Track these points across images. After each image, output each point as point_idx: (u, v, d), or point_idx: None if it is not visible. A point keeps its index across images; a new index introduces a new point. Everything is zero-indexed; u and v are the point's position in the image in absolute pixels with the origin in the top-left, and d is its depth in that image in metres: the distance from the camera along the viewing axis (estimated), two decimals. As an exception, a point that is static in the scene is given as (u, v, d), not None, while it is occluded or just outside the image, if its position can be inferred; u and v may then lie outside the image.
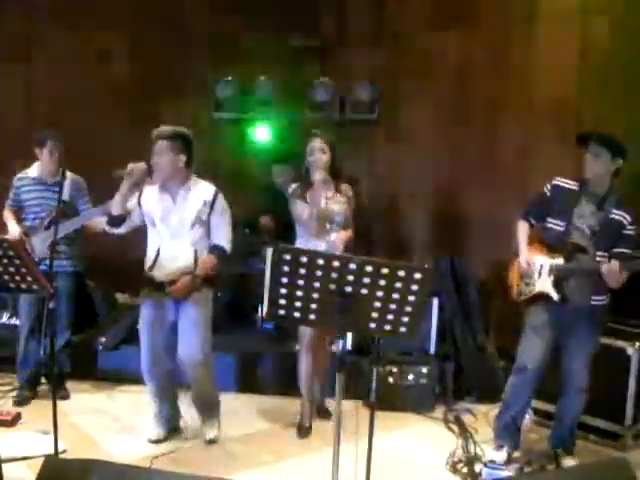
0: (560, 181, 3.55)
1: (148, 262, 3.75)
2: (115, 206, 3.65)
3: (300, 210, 3.87)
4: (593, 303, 3.47)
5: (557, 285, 3.48)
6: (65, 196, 4.22)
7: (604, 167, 3.39)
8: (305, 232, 3.90)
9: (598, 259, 3.37)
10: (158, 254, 3.70)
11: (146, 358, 3.77)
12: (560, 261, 3.48)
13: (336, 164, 3.94)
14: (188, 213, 3.68)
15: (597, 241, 3.41)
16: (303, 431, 4.04)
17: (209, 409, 3.94)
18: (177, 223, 3.68)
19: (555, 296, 3.47)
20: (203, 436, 3.91)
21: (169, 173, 3.66)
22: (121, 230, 3.74)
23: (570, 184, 3.52)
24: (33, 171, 4.37)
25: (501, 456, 3.62)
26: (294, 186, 3.96)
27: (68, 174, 4.28)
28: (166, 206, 3.70)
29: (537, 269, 3.55)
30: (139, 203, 3.74)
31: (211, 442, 3.87)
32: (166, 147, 3.61)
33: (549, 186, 3.58)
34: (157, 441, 3.86)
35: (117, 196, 3.63)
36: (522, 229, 3.67)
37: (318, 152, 3.87)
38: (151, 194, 3.75)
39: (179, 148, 3.64)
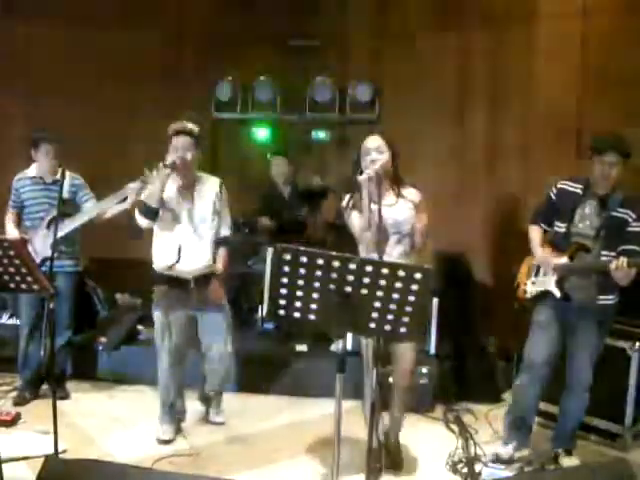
0: (564, 184, 3.57)
1: (167, 260, 3.75)
2: (154, 198, 3.65)
3: (355, 221, 3.36)
4: (600, 302, 3.47)
5: (560, 283, 3.50)
6: (64, 194, 4.23)
7: (618, 172, 3.41)
8: (363, 245, 3.39)
9: (603, 257, 3.37)
10: (180, 253, 3.73)
11: (167, 356, 3.84)
12: (564, 260, 3.50)
13: (397, 166, 3.41)
14: (208, 207, 3.79)
15: (602, 240, 3.42)
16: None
17: (219, 394, 4.18)
18: (201, 219, 3.77)
19: (557, 294, 3.50)
20: (212, 419, 4.17)
21: (193, 169, 3.77)
22: (153, 224, 3.74)
23: (574, 186, 3.53)
24: (32, 171, 4.37)
25: (506, 451, 3.64)
26: (347, 197, 3.42)
27: (67, 172, 4.28)
28: (189, 203, 3.77)
29: (545, 268, 3.59)
30: (162, 200, 3.74)
31: (218, 424, 4.14)
32: (190, 143, 3.72)
33: (554, 190, 3.60)
34: (169, 441, 3.87)
35: (156, 188, 3.64)
36: (534, 231, 3.69)
37: (375, 151, 3.32)
38: (171, 191, 3.77)
39: (198, 144, 3.77)
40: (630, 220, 3.38)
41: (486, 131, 5.31)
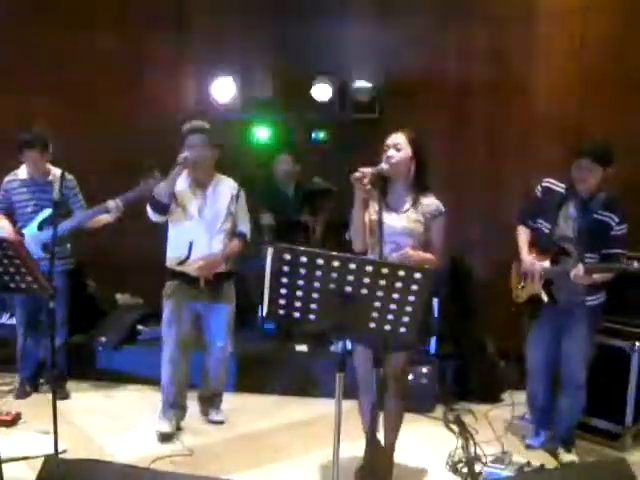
0: (550, 183, 3.64)
1: (178, 256, 3.81)
2: (164, 194, 3.69)
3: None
4: (588, 304, 3.53)
5: (546, 287, 3.57)
6: (56, 196, 4.25)
7: (596, 179, 3.46)
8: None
9: (587, 260, 3.41)
10: (190, 249, 3.77)
11: (172, 351, 3.87)
12: (547, 264, 3.56)
13: (421, 170, 3.14)
14: (221, 206, 3.85)
15: (584, 243, 3.46)
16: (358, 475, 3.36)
17: (219, 395, 4.19)
18: (212, 217, 3.82)
19: (545, 298, 3.57)
20: (212, 418, 4.15)
21: (208, 167, 3.82)
22: (163, 218, 3.79)
23: (558, 186, 3.60)
24: (23, 172, 4.36)
25: (537, 441, 3.86)
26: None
27: (59, 173, 4.30)
28: (201, 200, 3.82)
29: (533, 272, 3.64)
30: (174, 196, 3.78)
31: (218, 423, 4.13)
32: (205, 141, 3.77)
33: (540, 187, 3.68)
34: (168, 435, 3.87)
35: (165, 184, 3.69)
36: (522, 234, 3.76)
37: (392, 148, 3.08)
38: (183, 187, 3.82)
39: (213, 143, 3.82)
40: (613, 224, 3.43)
41: (486, 131, 5.31)
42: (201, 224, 3.81)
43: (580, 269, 3.31)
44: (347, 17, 5.64)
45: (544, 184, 3.65)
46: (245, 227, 4.00)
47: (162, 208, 3.73)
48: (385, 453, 3.38)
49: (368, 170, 2.95)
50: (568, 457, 3.70)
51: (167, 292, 3.89)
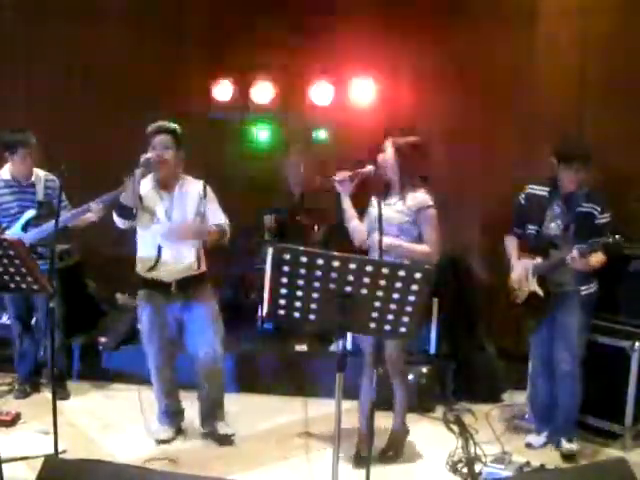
0: (532, 189, 3.80)
1: (147, 262, 3.71)
2: (128, 197, 3.57)
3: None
4: (581, 293, 3.65)
5: (541, 283, 3.67)
6: (40, 196, 4.25)
7: (583, 177, 3.63)
8: None
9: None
10: (159, 253, 3.67)
11: (155, 359, 3.83)
12: (539, 260, 3.69)
13: (407, 167, 3.45)
14: (189, 208, 3.72)
15: (573, 235, 3.59)
16: (357, 460, 3.59)
17: (221, 405, 3.96)
18: (180, 219, 3.70)
19: (540, 293, 3.68)
20: (217, 431, 3.89)
21: (173, 167, 3.70)
22: (134, 223, 3.69)
23: (541, 189, 3.75)
24: (5, 173, 4.33)
25: (537, 440, 3.89)
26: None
27: (42, 173, 4.30)
28: (168, 203, 3.71)
29: (526, 273, 3.75)
30: (140, 199, 3.67)
31: (228, 437, 3.87)
32: (169, 141, 3.67)
33: (524, 195, 3.83)
34: (167, 441, 3.85)
35: (129, 187, 3.57)
36: (510, 243, 3.90)
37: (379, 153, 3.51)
38: (148, 190, 3.72)
39: (179, 144, 3.71)
40: (596, 213, 3.59)
41: (486, 131, 5.30)
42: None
43: (575, 253, 3.41)
44: (347, 17, 5.65)
45: (528, 191, 3.81)
46: (220, 219, 3.75)
47: (127, 213, 3.60)
48: (392, 433, 3.70)
49: (346, 174, 3.35)
50: (568, 443, 3.74)
51: (141, 302, 3.81)
